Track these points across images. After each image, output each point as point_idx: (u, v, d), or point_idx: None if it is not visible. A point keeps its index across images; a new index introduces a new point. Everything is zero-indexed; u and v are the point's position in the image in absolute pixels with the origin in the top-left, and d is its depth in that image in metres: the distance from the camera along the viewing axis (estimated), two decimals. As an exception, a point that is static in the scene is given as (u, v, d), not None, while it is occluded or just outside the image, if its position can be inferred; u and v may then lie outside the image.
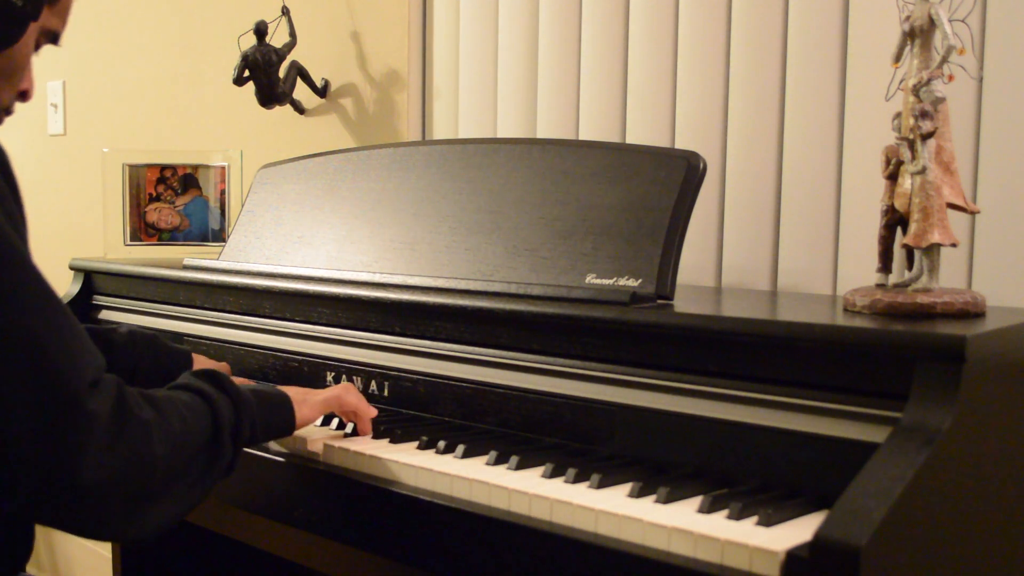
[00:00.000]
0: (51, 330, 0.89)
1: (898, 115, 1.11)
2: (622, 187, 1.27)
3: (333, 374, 1.42)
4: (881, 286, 1.13)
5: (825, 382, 0.97)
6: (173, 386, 1.05)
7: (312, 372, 1.45)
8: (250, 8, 2.28)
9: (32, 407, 0.87)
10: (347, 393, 1.22)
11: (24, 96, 1.09)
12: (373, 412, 1.24)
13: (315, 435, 1.23)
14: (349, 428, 1.25)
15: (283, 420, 1.14)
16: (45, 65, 3.20)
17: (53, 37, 1.10)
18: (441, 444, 1.15)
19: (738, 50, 1.55)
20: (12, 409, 0.86)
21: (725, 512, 0.91)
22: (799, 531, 0.86)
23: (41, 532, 3.34)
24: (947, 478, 0.87)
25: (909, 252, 1.13)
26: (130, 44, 2.81)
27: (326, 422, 1.30)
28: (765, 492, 0.98)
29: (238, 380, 1.39)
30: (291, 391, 1.17)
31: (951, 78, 1.06)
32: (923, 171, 1.06)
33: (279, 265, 1.60)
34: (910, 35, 1.09)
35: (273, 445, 1.25)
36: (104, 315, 1.87)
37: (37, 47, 1.10)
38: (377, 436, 1.22)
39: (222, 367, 1.52)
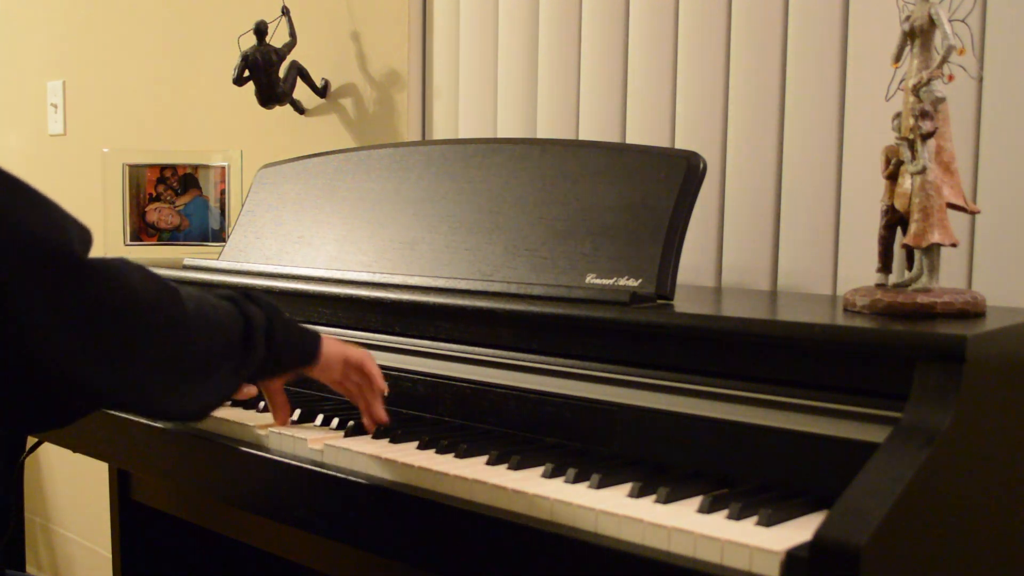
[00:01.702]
0: (31, 209, 0.88)
1: (898, 115, 1.11)
2: (622, 187, 1.27)
3: (333, 374, 1.42)
4: (881, 286, 1.13)
5: (825, 382, 0.97)
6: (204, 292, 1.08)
7: (312, 372, 1.45)
8: (250, 8, 2.28)
9: (39, 280, 0.86)
10: (369, 358, 1.23)
11: None
12: (385, 388, 1.24)
13: (315, 435, 1.23)
14: (349, 427, 1.25)
15: (310, 345, 1.17)
16: (45, 65, 3.20)
17: None
18: (441, 444, 1.15)
19: (738, 50, 1.55)
20: (24, 292, 0.85)
21: (725, 512, 0.91)
22: (799, 531, 0.86)
23: (42, 532, 3.34)
24: (947, 478, 0.87)
25: (909, 252, 1.13)
26: (130, 44, 2.81)
27: (326, 422, 1.30)
28: (765, 492, 0.98)
29: None
30: (322, 335, 1.20)
31: (951, 78, 1.06)
32: (923, 171, 1.06)
33: (279, 265, 1.60)
34: (910, 35, 1.09)
35: (273, 445, 1.26)
36: (104, 315, 1.87)
37: None
38: (377, 436, 1.22)
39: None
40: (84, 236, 0.93)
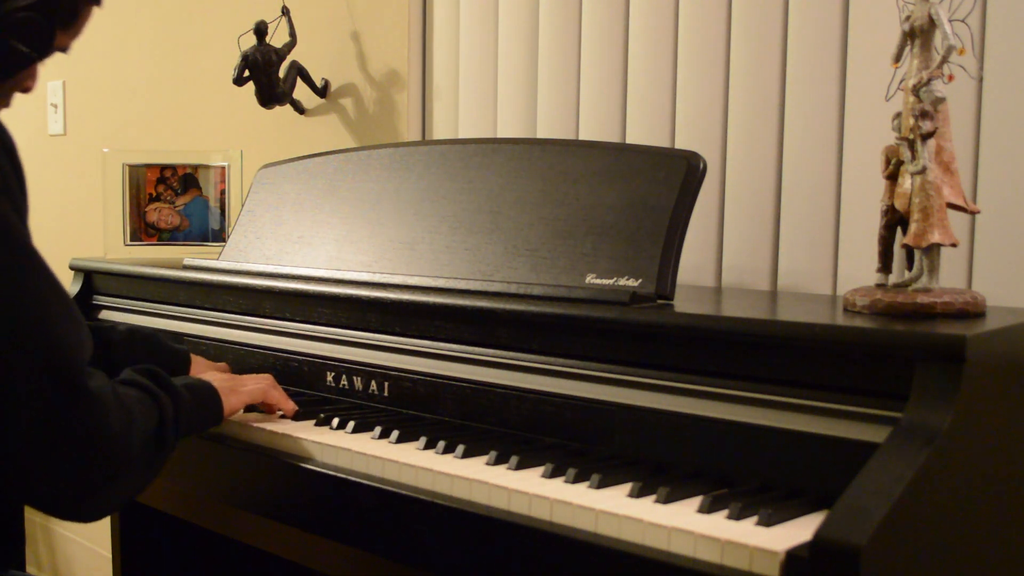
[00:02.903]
0: (60, 320, 0.95)
1: (898, 115, 1.11)
2: (622, 187, 1.27)
3: (333, 374, 1.42)
4: (881, 286, 1.13)
5: (825, 382, 0.97)
6: (120, 380, 1.11)
7: (312, 372, 1.45)
8: (250, 8, 2.28)
9: (40, 392, 0.92)
10: (272, 388, 1.30)
11: (27, 91, 1.13)
12: (294, 408, 1.32)
13: (315, 435, 1.23)
14: (350, 427, 1.25)
15: (213, 413, 1.22)
16: (45, 65, 3.20)
17: (63, 50, 1.13)
18: (441, 444, 1.15)
19: (738, 50, 1.55)
20: (21, 396, 0.92)
21: (725, 512, 0.91)
22: (799, 531, 0.86)
23: (42, 532, 3.34)
24: (947, 478, 0.87)
25: (909, 252, 1.13)
26: (130, 44, 2.81)
27: (326, 422, 1.30)
28: (765, 492, 0.98)
29: (214, 365, 1.47)
30: (217, 380, 1.25)
31: (951, 78, 1.06)
32: (923, 171, 1.06)
33: (279, 265, 1.60)
34: (910, 35, 1.09)
35: (273, 445, 1.26)
36: (104, 315, 1.87)
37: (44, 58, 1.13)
38: (378, 436, 1.22)
39: (221, 367, 1.53)
40: (89, 351, 1.00)
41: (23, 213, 0.98)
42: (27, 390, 0.92)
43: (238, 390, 1.27)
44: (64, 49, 1.13)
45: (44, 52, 1.06)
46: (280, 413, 1.33)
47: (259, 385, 1.30)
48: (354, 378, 1.40)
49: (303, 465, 1.19)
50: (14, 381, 0.92)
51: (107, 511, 1.06)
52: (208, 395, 1.22)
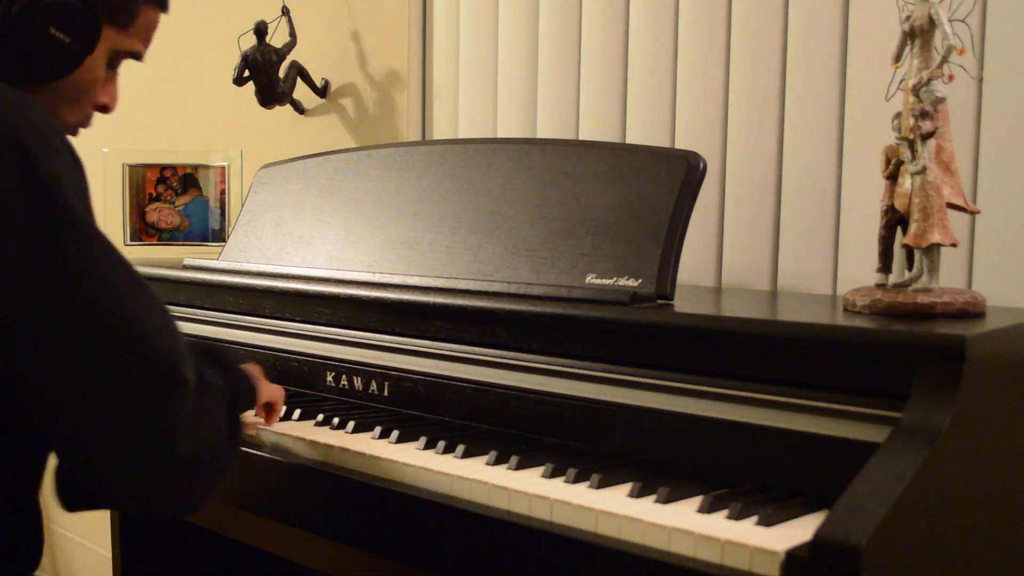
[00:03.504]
0: (142, 308, 0.92)
1: (898, 115, 1.11)
2: (622, 187, 1.27)
3: (333, 374, 1.42)
4: (881, 286, 1.13)
5: (825, 382, 0.97)
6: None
7: (312, 372, 1.45)
8: (250, 8, 2.28)
9: (130, 384, 0.89)
10: (281, 399, 1.28)
11: (104, 109, 1.12)
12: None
13: (315, 435, 1.23)
14: (350, 427, 1.25)
15: (253, 399, 1.20)
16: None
17: (133, 55, 1.13)
18: (441, 444, 1.15)
19: (738, 50, 1.55)
20: (112, 392, 0.89)
21: (725, 512, 0.91)
22: (799, 531, 0.86)
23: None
24: (947, 478, 0.87)
25: (909, 252, 1.13)
26: (130, 44, 2.81)
27: (326, 422, 1.30)
28: (765, 492, 0.98)
29: None
30: (250, 367, 1.21)
31: (951, 78, 1.06)
32: (923, 171, 1.06)
33: (279, 265, 1.60)
34: (910, 35, 1.09)
35: (273, 444, 1.26)
36: (104, 315, 1.87)
37: (114, 65, 1.12)
38: (378, 436, 1.22)
39: (256, 370, 1.54)
40: (185, 349, 0.96)
41: (90, 206, 0.96)
42: (120, 389, 0.89)
43: (264, 381, 1.24)
44: (137, 56, 1.11)
45: (87, 43, 1.04)
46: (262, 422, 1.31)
47: (278, 391, 1.27)
48: (354, 378, 1.40)
49: (302, 464, 1.19)
50: (103, 375, 0.88)
51: (198, 504, 1.02)
52: (252, 383, 1.19)
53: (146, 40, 1.12)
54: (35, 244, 0.88)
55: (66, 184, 0.91)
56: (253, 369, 1.22)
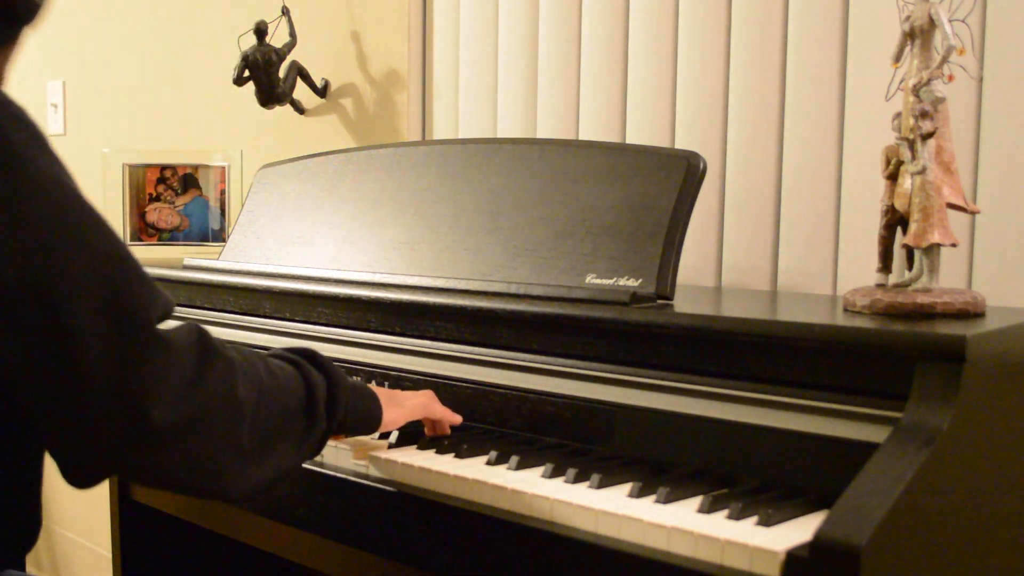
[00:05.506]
0: (118, 265, 0.89)
1: (898, 115, 1.11)
2: (622, 187, 1.27)
3: (333, 374, 1.42)
4: (881, 286, 1.13)
5: (825, 382, 0.97)
6: (270, 354, 1.04)
7: (312, 372, 1.45)
8: (250, 8, 2.28)
9: (106, 338, 0.85)
10: (432, 402, 1.20)
11: None
12: (458, 420, 1.22)
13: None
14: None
15: (372, 415, 1.12)
16: (45, 65, 3.20)
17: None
18: (441, 444, 1.15)
19: (738, 50, 1.55)
20: (88, 350, 0.85)
21: (725, 512, 0.91)
22: (799, 531, 0.86)
23: (42, 532, 3.34)
24: (947, 478, 0.87)
25: (909, 252, 1.13)
26: (130, 44, 2.81)
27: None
28: (765, 492, 0.98)
29: None
30: (379, 391, 1.14)
31: (951, 78, 1.06)
32: (923, 171, 1.06)
33: (279, 265, 1.60)
34: (910, 35, 1.09)
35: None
36: (104, 315, 1.87)
37: None
38: (377, 436, 1.22)
39: (408, 395, 1.50)
40: (167, 306, 0.92)
41: (67, 172, 0.93)
42: (97, 343, 0.85)
43: (400, 403, 1.16)
44: None
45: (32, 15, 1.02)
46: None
47: (419, 399, 1.19)
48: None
49: (302, 465, 1.19)
50: (78, 333, 0.84)
51: (243, 489, 0.95)
52: (368, 397, 1.11)
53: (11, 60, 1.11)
54: (6, 210, 0.86)
55: (32, 149, 0.90)
56: (377, 388, 1.15)
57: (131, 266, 0.90)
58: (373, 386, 1.16)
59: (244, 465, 0.94)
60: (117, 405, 0.86)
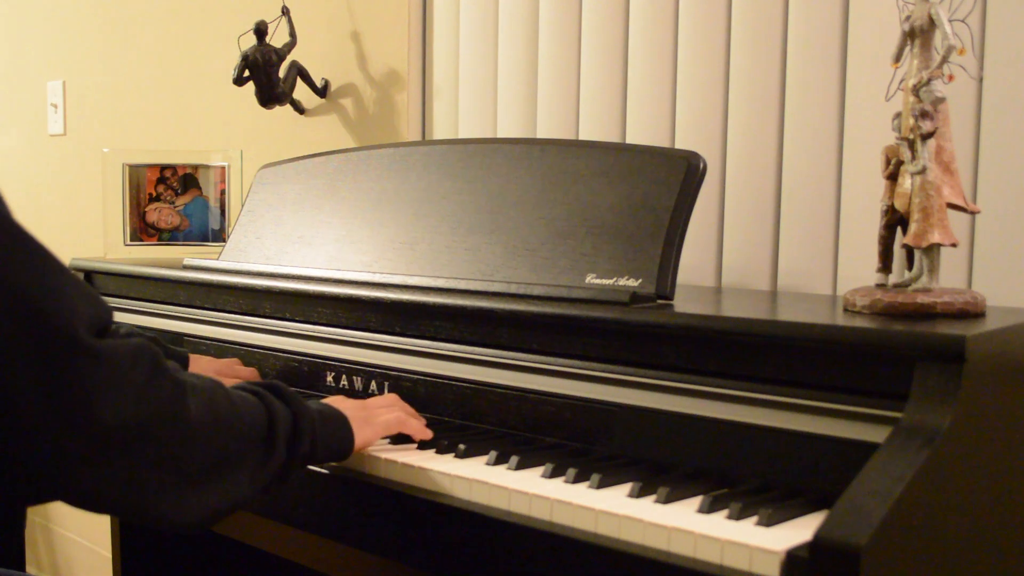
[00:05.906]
0: (35, 276, 0.85)
1: (898, 115, 1.11)
2: (622, 187, 1.27)
3: (333, 374, 1.42)
4: (881, 286, 1.13)
5: (825, 382, 0.97)
6: (235, 387, 1.02)
7: (312, 372, 1.45)
8: (250, 8, 2.28)
9: (31, 354, 0.83)
10: (409, 418, 1.19)
11: None
12: (429, 435, 1.19)
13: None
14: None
15: (343, 442, 1.10)
16: (45, 65, 3.20)
17: None
18: (441, 444, 1.15)
19: (738, 50, 1.55)
20: (13, 364, 0.83)
21: (725, 512, 0.91)
22: (799, 531, 0.86)
23: (42, 532, 3.34)
24: (947, 478, 0.87)
25: (909, 252, 1.13)
26: (130, 44, 2.81)
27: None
28: (765, 492, 0.98)
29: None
30: (350, 410, 1.13)
31: (951, 78, 1.06)
32: (923, 171, 1.06)
33: (279, 265, 1.60)
34: (910, 35, 1.09)
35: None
36: (104, 315, 1.87)
37: None
38: (377, 436, 1.22)
39: (251, 372, 1.49)
40: (98, 316, 0.88)
41: None
42: (22, 361, 0.82)
43: (372, 421, 1.14)
44: None
45: None
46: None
47: (393, 415, 1.17)
48: (354, 378, 1.40)
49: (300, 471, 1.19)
50: (5, 351, 0.82)
51: (193, 518, 0.92)
52: (337, 424, 1.10)
53: None
54: None
55: None
56: (349, 406, 1.13)
57: (50, 278, 0.86)
58: (342, 401, 1.15)
59: (188, 490, 0.91)
60: (51, 420, 0.83)
